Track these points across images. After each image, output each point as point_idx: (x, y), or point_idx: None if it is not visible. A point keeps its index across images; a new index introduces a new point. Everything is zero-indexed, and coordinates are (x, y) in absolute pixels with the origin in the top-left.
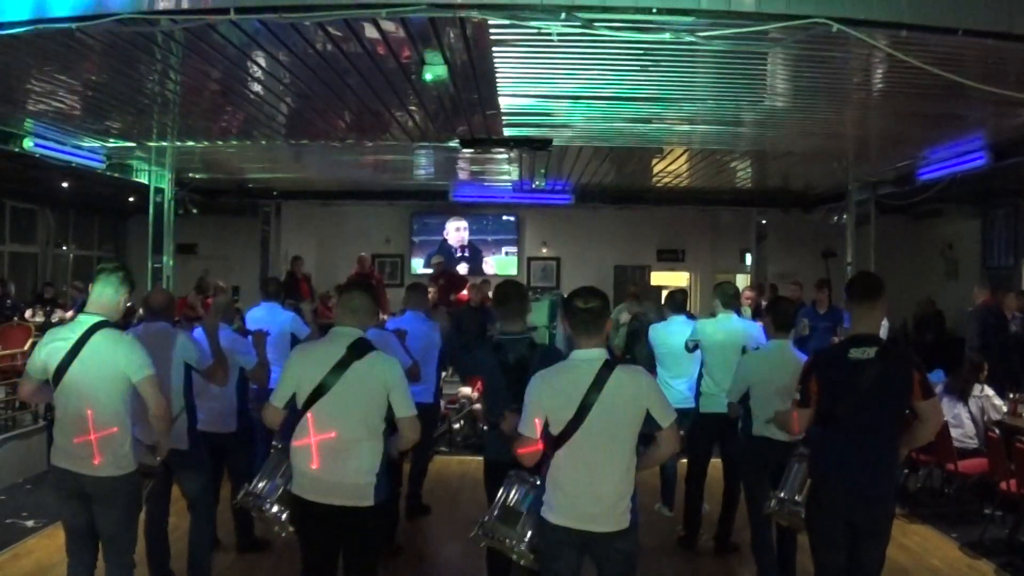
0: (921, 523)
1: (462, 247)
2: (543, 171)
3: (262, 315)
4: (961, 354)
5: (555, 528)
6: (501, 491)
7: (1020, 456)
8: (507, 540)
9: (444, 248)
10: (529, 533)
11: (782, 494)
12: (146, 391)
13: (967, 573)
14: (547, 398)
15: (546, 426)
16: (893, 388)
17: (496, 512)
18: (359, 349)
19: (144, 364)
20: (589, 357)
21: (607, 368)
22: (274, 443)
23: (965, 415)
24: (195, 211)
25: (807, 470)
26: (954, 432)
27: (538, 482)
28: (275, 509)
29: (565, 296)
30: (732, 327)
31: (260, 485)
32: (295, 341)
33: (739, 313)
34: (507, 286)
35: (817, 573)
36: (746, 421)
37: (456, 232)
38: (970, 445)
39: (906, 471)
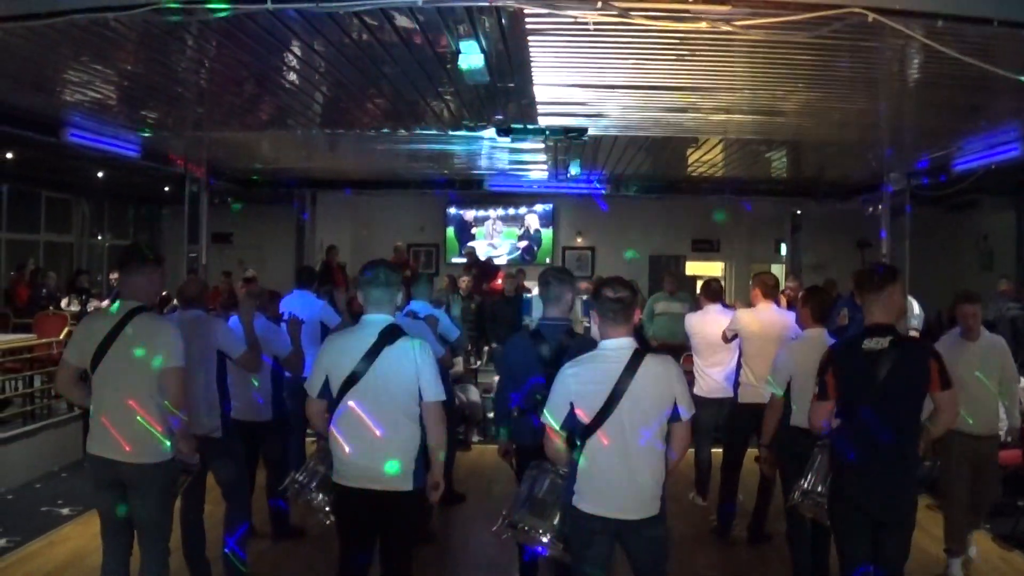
0: None
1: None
2: (578, 160)
3: (294, 303)
4: None
5: (588, 517)
6: (524, 482)
7: None
8: (536, 531)
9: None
10: (557, 523)
11: (806, 485)
12: (168, 381)
13: (999, 565)
14: (576, 388)
15: (574, 416)
16: (909, 378)
17: (524, 504)
18: (390, 335)
19: (175, 355)
20: (619, 346)
21: (637, 356)
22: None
23: (1001, 408)
24: (230, 200)
25: (829, 460)
26: None
27: (562, 471)
28: (320, 497)
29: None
30: (771, 317)
31: (304, 473)
32: (325, 329)
33: (778, 303)
34: (549, 272)
35: (842, 564)
36: (785, 411)
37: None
38: (1003, 439)
39: (939, 462)
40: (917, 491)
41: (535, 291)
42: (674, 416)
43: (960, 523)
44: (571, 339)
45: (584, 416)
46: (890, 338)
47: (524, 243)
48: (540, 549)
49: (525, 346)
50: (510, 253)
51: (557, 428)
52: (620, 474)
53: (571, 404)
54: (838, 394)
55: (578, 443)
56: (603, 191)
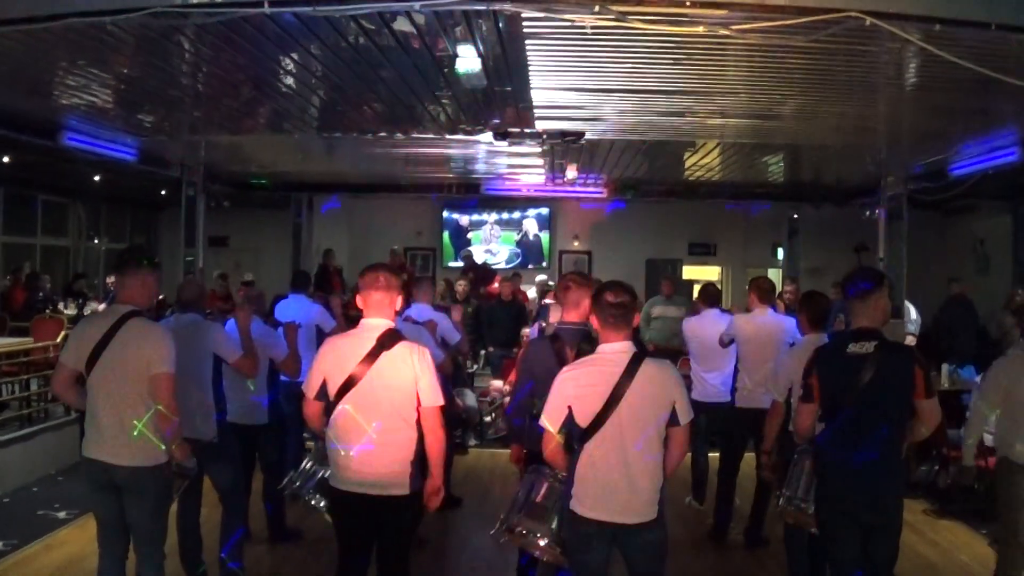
0: (951, 519)
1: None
2: (575, 164)
3: (290, 307)
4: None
5: (585, 520)
6: (522, 486)
7: None
8: (533, 535)
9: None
10: (555, 527)
11: (787, 491)
12: (158, 387)
13: None
14: (574, 392)
15: (572, 420)
16: (893, 382)
17: (521, 507)
18: (388, 340)
19: (166, 360)
20: (617, 350)
21: (636, 361)
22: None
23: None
24: (226, 204)
25: (811, 465)
26: (987, 430)
27: (560, 475)
28: (317, 500)
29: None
30: (767, 322)
31: (301, 476)
32: (320, 333)
33: (775, 308)
34: (569, 276)
35: (832, 569)
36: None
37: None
38: None
39: (936, 467)
40: (904, 494)
41: (531, 294)
42: (672, 421)
43: (1016, 560)
44: (588, 343)
45: (582, 420)
46: (875, 342)
47: (522, 248)
48: (537, 553)
49: (545, 350)
50: (509, 260)
51: (555, 432)
52: (617, 478)
53: (569, 408)
54: (822, 397)
55: (576, 447)
56: (601, 195)
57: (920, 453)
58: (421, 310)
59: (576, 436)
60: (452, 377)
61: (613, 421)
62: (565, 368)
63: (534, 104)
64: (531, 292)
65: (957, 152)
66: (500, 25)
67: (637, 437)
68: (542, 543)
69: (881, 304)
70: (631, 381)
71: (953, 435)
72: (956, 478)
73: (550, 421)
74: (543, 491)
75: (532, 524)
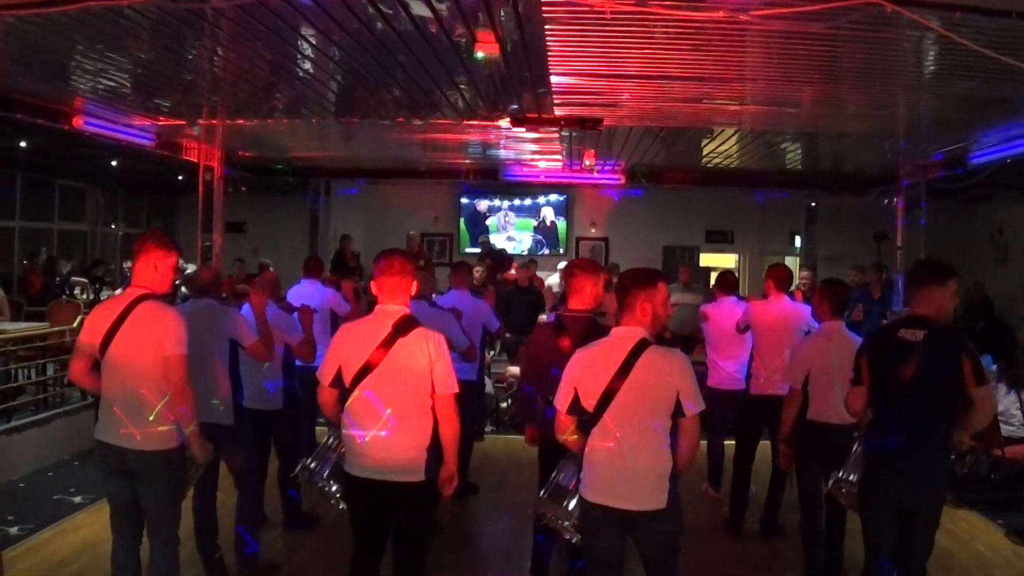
0: (968, 509)
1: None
2: (593, 151)
3: (303, 292)
4: (1010, 340)
5: (591, 506)
6: (556, 470)
7: None
8: (557, 519)
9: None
10: (575, 512)
11: (841, 473)
12: (171, 368)
13: (1012, 559)
14: (580, 374)
15: (579, 403)
16: (942, 370)
17: (548, 491)
18: (404, 326)
19: (178, 342)
20: (625, 334)
21: (640, 347)
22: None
23: (1014, 404)
24: (244, 189)
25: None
26: (1003, 419)
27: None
28: (331, 485)
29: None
30: (783, 310)
31: (316, 461)
32: (335, 317)
33: (792, 296)
34: (573, 263)
35: (868, 554)
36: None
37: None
38: (1019, 432)
39: (952, 456)
40: (948, 484)
41: (548, 281)
42: (678, 411)
43: None
44: (593, 330)
45: (586, 403)
46: (926, 331)
47: (539, 234)
48: (567, 536)
49: (546, 338)
50: (531, 248)
51: (564, 412)
52: (619, 464)
53: (575, 390)
54: (872, 381)
55: (586, 431)
56: (617, 182)
57: None
58: (459, 295)
59: (585, 420)
60: (482, 365)
61: (614, 406)
62: (579, 350)
63: (552, 90)
64: (550, 278)
65: (976, 141)
66: (519, 9)
67: (637, 425)
68: (566, 525)
69: (936, 297)
70: (631, 368)
71: None
72: None
73: (559, 402)
74: (571, 476)
75: (554, 508)
